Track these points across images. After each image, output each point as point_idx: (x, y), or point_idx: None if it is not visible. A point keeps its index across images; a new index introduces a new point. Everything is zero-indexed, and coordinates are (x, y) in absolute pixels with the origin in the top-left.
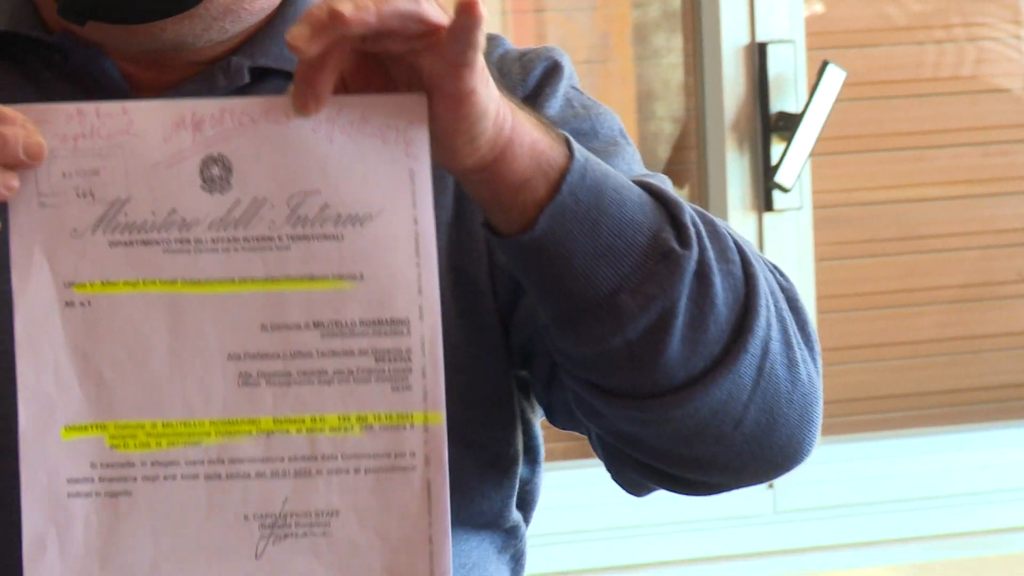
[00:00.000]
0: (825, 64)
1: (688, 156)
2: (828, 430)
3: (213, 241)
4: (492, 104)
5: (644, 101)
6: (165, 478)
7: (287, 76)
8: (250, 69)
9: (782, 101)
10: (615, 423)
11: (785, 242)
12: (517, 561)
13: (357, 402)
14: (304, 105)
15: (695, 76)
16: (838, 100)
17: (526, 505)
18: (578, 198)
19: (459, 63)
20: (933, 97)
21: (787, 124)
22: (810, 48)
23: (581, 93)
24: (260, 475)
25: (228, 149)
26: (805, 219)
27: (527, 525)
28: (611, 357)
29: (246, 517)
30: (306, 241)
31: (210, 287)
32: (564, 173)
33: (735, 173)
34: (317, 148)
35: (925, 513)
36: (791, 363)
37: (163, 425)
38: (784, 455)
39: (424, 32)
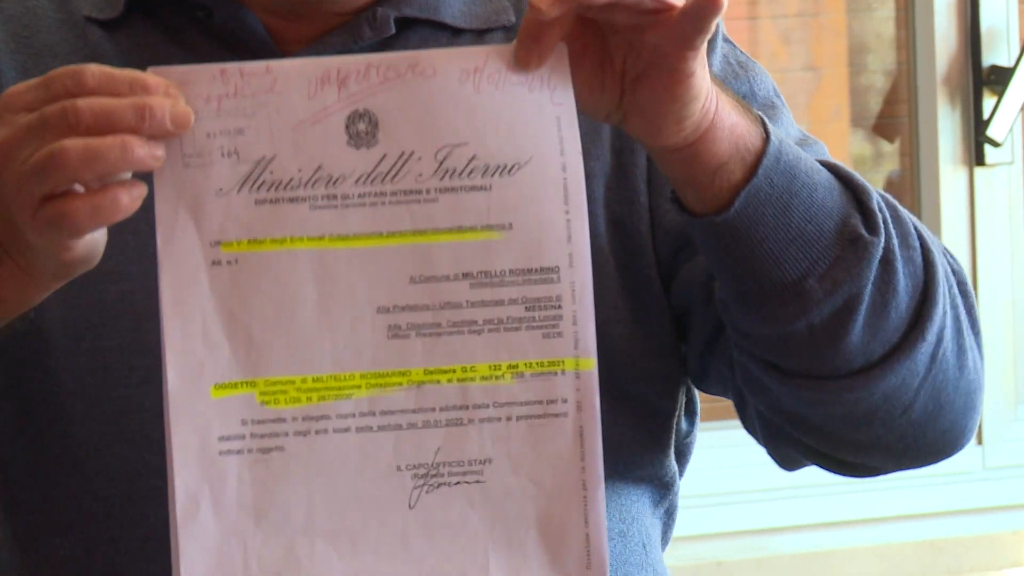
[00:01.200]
0: None
1: (899, 110)
2: None
3: (360, 196)
4: (705, 87)
5: (855, 54)
6: (316, 432)
7: (432, 25)
8: (395, 20)
9: (994, 54)
10: (783, 401)
11: (996, 197)
12: (670, 515)
13: (508, 350)
14: (528, 61)
15: (907, 29)
16: None
17: (682, 458)
18: (772, 182)
19: (686, 45)
20: None
21: (999, 78)
22: None
23: (734, 47)
24: (412, 426)
25: (374, 104)
26: (1017, 174)
27: (680, 478)
28: (792, 339)
29: (399, 468)
30: (454, 193)
31: (358, 241)
32: (760, 156)
33: (946, 127)
34: (464, 100)
35: None
36: (960, 350)
37: (313, 380)
38: (945, 441)
39: (656, 9)
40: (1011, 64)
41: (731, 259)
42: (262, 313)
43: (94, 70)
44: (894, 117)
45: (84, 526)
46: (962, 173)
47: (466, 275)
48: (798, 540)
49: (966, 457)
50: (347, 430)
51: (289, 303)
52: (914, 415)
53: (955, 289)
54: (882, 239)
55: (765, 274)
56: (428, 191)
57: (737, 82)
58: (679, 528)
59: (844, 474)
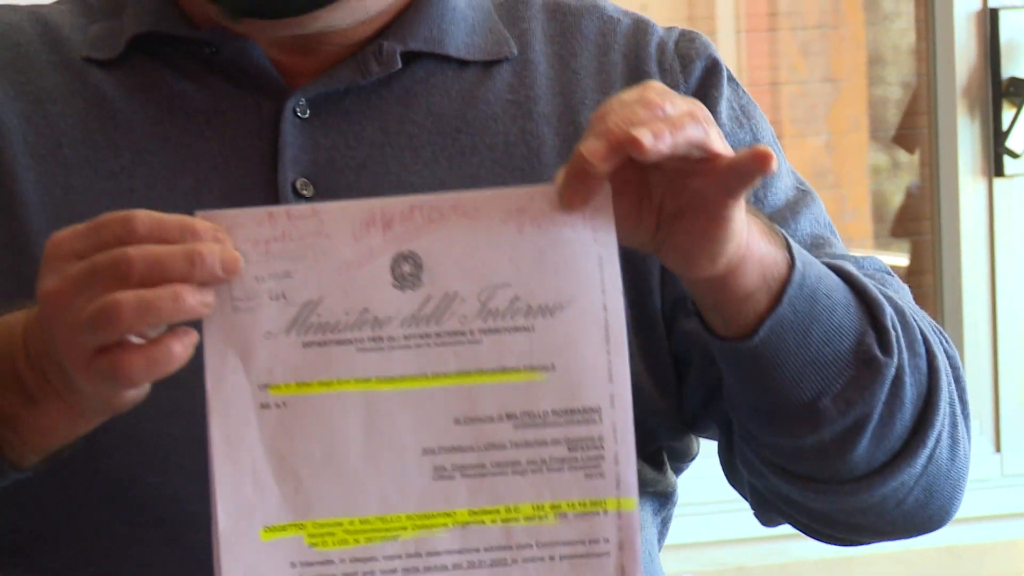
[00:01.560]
0: None
1: (919, 121)
2: None
3: (406, 338)
4: (740, 228)
5: (874, 66)
6: (364, 574)
7: (437, 58)
8: (401, 54)
9: (1014, 66)
10: (781, 489)
11: (1015, 208)
12: (665, 524)
13: (551, 491)
14: (574, 203)
15: (926, 41)
16: None
17: (681, 459)
18: (796, 309)
19: (729, 194)
20: None
21: (1018, 90)
22: None
23: (736, 88)
24: (457, 566)
25: (418, 246)
26: None
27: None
28: (801, 451)
29: None
30: (497, 334)
31: (404, 383)
32: (785, 284)
33: (965, 138)
34: (507, 241)
35: None
36: (954, 443)
37: (360, 522)
38: (932, 523)
39: (703, 158)
40: None
41: (749, 379)
42: (310, 455)
43: (143, 217)
44: (913, 128)
45: (118, 556)
46: (981, 184)
47: (510, 416)
48: (819, 545)
49: (985, 464)
50: (394, 571)
51: (336, 445)
52: (907, 506)
53: (952, 382)
54: (895, 359)
55: (781, 393)
56: (472, 332)
57: (741, 131)
58: (701, 533)
59: (827, 543)
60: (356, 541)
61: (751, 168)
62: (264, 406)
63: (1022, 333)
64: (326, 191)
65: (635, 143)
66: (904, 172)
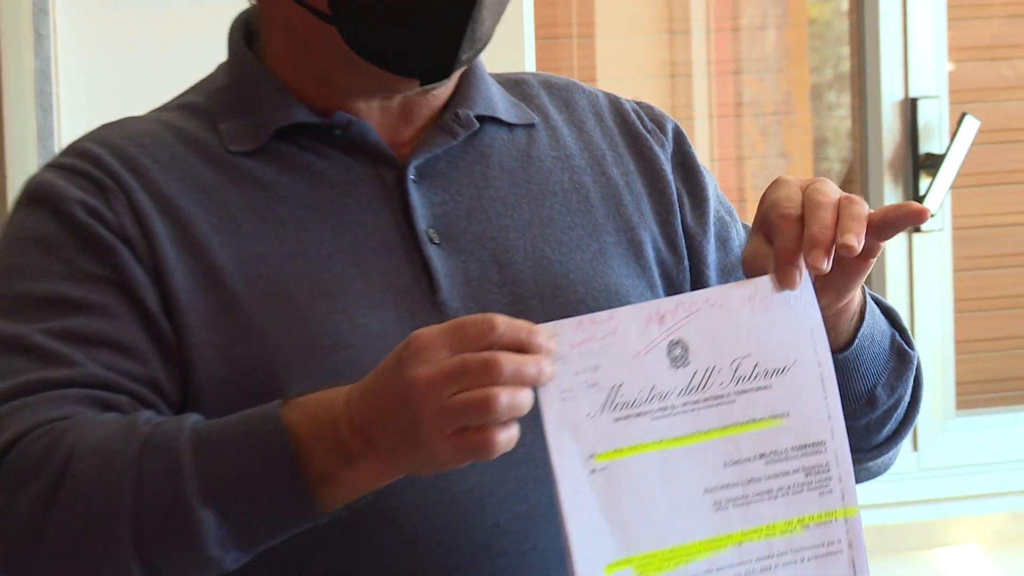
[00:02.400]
0: (963, 115)
1: (854, 188)
2: (963, 405)
3: (683, 405)
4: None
5: (819, 146)
6: None
7: (493, 120)
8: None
9: (929, 144)
10: None
11: (930, 257)
12: None
13: (796, 509)
14: (791, 287)
15: (859, 126)
16: (973, 144)
17: None
18: (870, 322)
19: (870, 255)
20: None
21: (932, 163)
22: (952, 102)
23: (719, 195)
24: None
25: (684, 333)
26: (946, 239)
27: None
28: (855, 429)
29: None
30: (746, 394)
31: (686, 440)
32: (864, 305)
33: (890, 202)
34: (744, 321)
35: None
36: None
37: (669, 551)
38: (880, 475)
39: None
40: (942, 152)
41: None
42: (629, 505)
43: (501, 322)
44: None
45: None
46: (903, 239)
47: (762, 455)
48: None
49: (905, 460)
50: None
51: (645, 494)
52: (874, 470)
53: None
54: (916, 351)
55: (852, 386)
56: (729, 395)
57: (733, 224)
58: None
59: None
60: (668, 566)
61: (907, 221)
62: (593, 471)
63: (934, 358)
64: (447, 236)
65: (849, 249)
66: None
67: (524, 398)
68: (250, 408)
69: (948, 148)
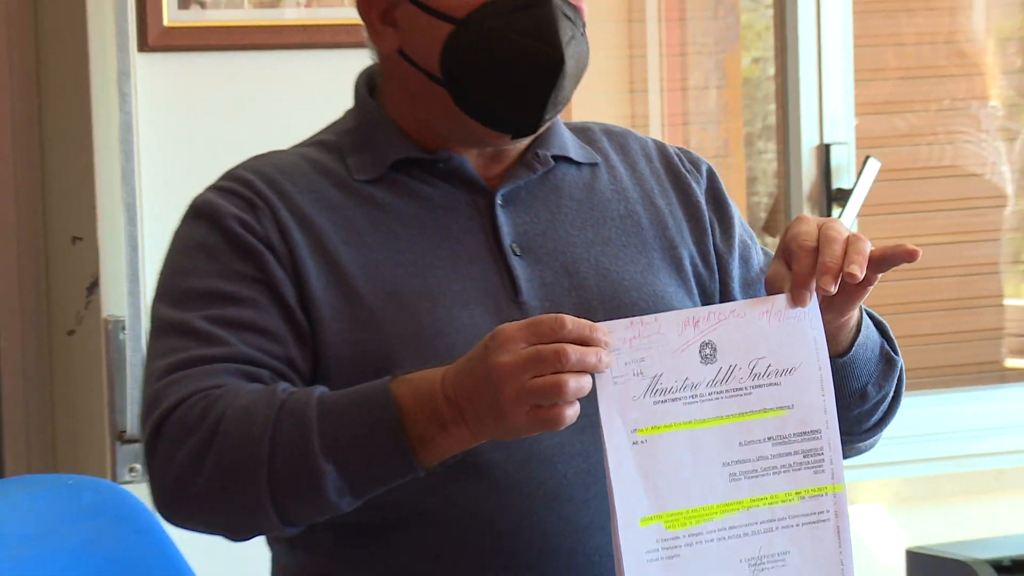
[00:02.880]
0: (867, 158)
1: (779, 217)
2: None
3: (709, 395)
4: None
5: (751, 184)
6: (696, 543)
7: (565, 159)
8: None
9: (839, 181)
10: None
11: None
12: None
13: (795, 483)
14: (805, 300)
15: (783, 167)
16: (875, 181)
17: None
18: (865, 332)
19: (869, 283)
20: (929, 180)
21: (842, 196)
22: (858, 147)
23: (742, 221)
24: (746, 534)
25: (714, 336)
26: None
27: None
28: (847, 419)
29: (740, 560)
30: (760, 388)
31: (710, 423)
32: (861, 317)
33: None
34: (761, 329)
35: (919, 446)
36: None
37: (692, 511)
38: (866, 452)
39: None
40: (850, 187)
41: (836, 378)
42: (662, 471)
43: (568, 322)
44: (775, 222)
45: (489, 526)
46: None
47: (770, 438)
48: None
49: None
50: (712, 540)
51: (675, 464)
52: (855, 454)
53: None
54: (900, 357)
55: (847, 384)
56: (746, 388)
57: (753, 247)
58: None
59: None
60: (690, 523)
61: (902, 258)
62: (635, 443)
63: None
64: (527, 249)
65: (853, 276)
66: (772, 249)
67: (586, 382)
68: (366, 383)
69: (855, 184)
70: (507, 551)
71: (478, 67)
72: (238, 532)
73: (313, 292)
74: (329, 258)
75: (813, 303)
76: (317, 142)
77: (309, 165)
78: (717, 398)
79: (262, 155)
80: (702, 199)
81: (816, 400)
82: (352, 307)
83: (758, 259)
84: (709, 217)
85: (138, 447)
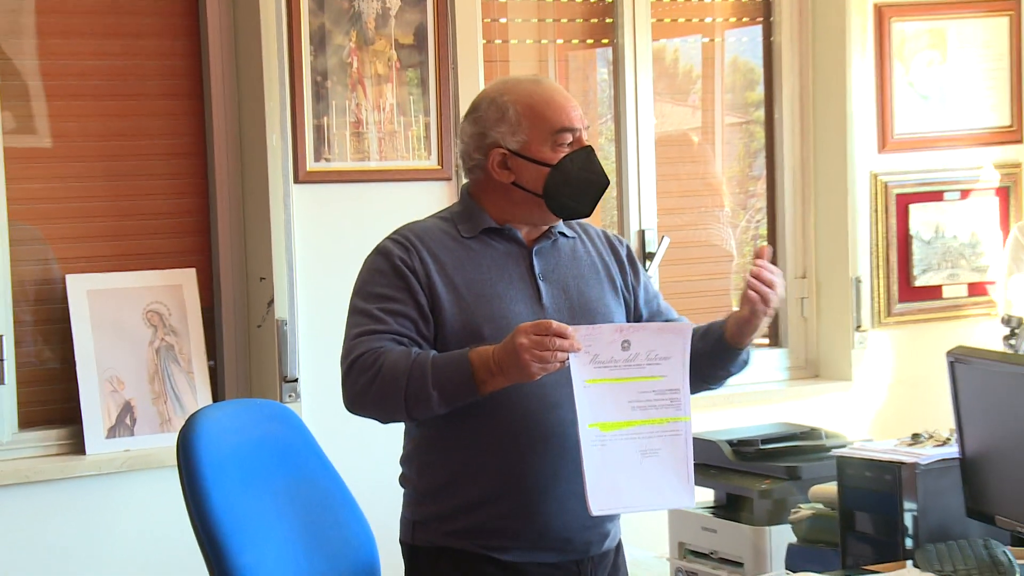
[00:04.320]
0: (663, 237)
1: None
2: None
3: (625, 365)
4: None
5: None
6: (615, 440)
7: (563, 235)
8: (558, 231)
9: (651, 247)
10: (709, 383)
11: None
12: None
13: (664, 413)
14: (682, 329)
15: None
16: (668, 249)
17: None
18: (748, 347)
19: (768, 313)
20: (694, 247)
21: (651, 256)
22: (660, 230)
23: (636, 259)
24: (639, 436)
25: (630, 337)
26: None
27: None
28: (729, 375)
29: (636, 451)
30: (650, 364)
31: (624, 380)
32: (749, 342)
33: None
34: (659, 337)
35: None
36: None
37: (613, 423)
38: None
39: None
40: (655, 251)
41: (729, 357)
42: (599, 402)
43: (555, 324)
44: None
45: (502, 451)
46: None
47: (654, 391)
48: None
49: None
50: (622, 439)
51: (606, 397)
52: (720, 387)
53: None
54: (751, 355)
55: (734, 359)
56: (644, 364)
57: (649, 285)
58: None
59: (711, 387)
60: (612, 429)
61: (771, 313)
62: (586, 387)
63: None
64: (546, 278)
65: (770, 298)
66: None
67: (562, 357)
68: (459, 349)
69: (656, 250)
70: (526, 428)
71: (566, 189)
72: (387, 421)
73: (439, 298)
74: (448, 279)
75: (688, 328)
76: (440, 216)
77: (438, 228)
78: (627, 367)
79: (413, 222)
80: (624, 259)
81: (679, 373)
82: (459, 305)
83: (651, 291)
84: (628, 268)
85: (294, 384)
